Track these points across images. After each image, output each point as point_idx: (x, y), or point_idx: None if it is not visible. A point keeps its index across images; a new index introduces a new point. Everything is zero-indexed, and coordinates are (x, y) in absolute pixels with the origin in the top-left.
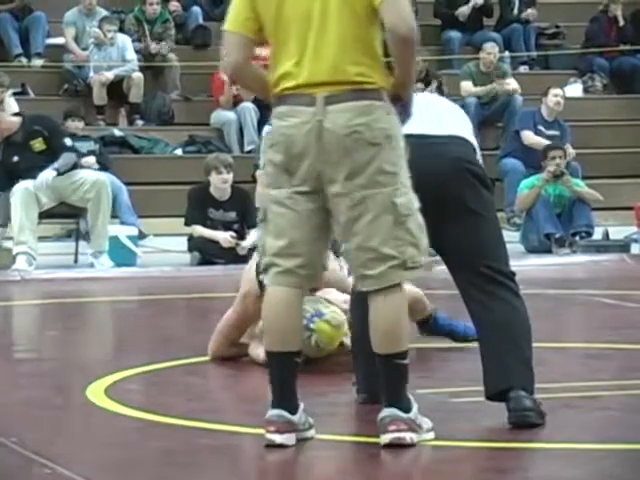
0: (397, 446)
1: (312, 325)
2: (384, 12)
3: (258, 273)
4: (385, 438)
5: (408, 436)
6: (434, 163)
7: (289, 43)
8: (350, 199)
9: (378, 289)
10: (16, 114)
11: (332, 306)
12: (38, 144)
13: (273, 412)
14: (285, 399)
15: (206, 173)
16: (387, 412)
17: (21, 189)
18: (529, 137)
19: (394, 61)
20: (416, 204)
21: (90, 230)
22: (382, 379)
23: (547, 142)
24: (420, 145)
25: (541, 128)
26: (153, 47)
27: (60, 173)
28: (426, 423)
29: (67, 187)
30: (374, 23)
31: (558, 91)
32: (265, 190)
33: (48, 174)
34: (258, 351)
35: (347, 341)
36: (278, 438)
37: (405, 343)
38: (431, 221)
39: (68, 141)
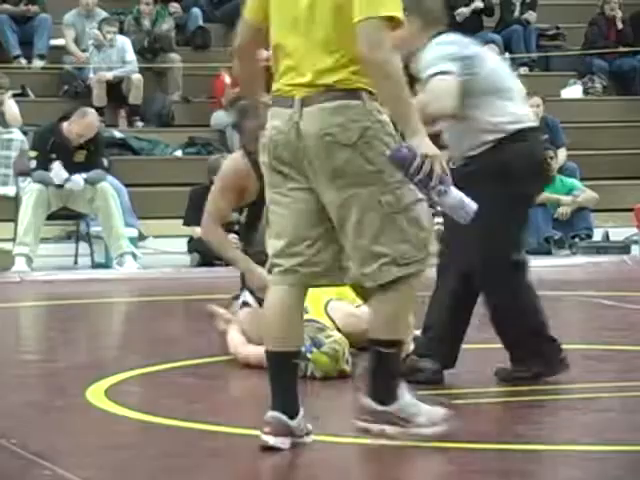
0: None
1: (309, 355)
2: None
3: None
4: (355, 424)
5: (376, 427)
6: None
7: (279, 44)
8: (336, 199)
9: (376, 285)
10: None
11: (334, 335)
12: (81, 155)
13: (271, 413)
14: (285, 402)
15: (213, 173)
16: (363, 402)
17: (35, 190)
18: None
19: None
20: (412, 198)
21: (106, 237)
22: (369, 370)
23: None
24: None
25: None
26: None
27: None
28: (425, 415)
29: (69, 194)
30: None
31: (534, 101)
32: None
33: (79, 182)
34: (247, 352)
35: (347, 368)
36: (272, 440)
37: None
38: None
39: (105, 162)
